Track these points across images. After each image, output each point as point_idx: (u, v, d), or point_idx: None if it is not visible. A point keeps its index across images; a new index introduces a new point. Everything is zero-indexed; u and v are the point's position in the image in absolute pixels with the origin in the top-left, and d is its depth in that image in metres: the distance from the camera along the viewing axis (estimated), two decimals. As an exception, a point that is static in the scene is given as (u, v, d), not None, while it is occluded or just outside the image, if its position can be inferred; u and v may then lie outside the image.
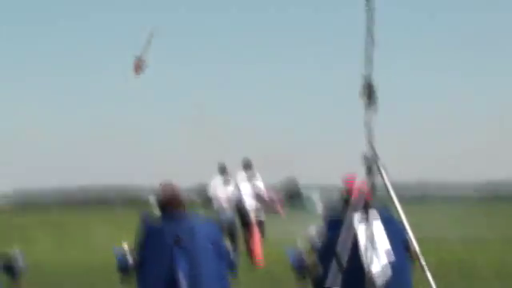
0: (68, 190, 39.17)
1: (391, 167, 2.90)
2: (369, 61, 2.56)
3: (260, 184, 10.19)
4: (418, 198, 30.50)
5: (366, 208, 3.05)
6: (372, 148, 2.78)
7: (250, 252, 9.82)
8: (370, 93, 2.66)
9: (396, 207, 3.13)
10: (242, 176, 10.24)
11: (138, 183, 35.37)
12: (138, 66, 11.94)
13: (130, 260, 4.25)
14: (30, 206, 35.02)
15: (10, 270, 5.14)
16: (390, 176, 2.91)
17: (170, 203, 4.10)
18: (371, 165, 2.77)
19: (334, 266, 3.07)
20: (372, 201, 3.04)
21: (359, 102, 2.74)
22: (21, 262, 5.26)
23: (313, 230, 4.61)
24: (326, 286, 3.22)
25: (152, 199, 5.26)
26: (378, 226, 3.52)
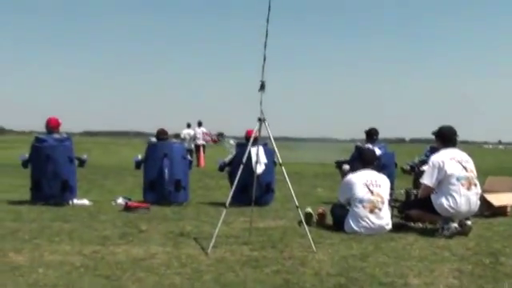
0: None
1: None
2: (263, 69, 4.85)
3: (204, 130, 21.17)
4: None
5: (255, 141, 5.41)
6: (262, 113, 5.06)
7: (198, 160, 20.07)
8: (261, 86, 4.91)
9: (273, 143, 5.59)
10: (197, 128, 21.17)
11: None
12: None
13: (141, 160, 8.60)
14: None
15: (81, 162, 8.41)
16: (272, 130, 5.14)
17: (162, 134, 8.73)
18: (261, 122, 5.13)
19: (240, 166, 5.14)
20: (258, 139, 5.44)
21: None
22: (86, 159, 8.57)
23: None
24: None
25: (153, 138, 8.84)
26: (261, 149, 6.95)
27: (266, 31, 4.80)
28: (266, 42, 4.82)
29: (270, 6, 4.75)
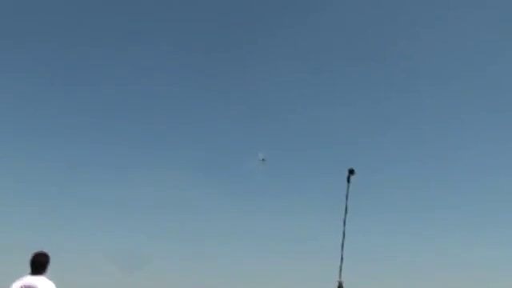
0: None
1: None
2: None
3: None
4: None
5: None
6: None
7: None
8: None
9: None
10: None
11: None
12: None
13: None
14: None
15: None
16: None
17: None
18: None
19: None
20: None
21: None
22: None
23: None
24: None
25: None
26: None
27: (343, 233, 5.14)
28: (343, 243, 5.17)
29: (346, 208, 5.41)
